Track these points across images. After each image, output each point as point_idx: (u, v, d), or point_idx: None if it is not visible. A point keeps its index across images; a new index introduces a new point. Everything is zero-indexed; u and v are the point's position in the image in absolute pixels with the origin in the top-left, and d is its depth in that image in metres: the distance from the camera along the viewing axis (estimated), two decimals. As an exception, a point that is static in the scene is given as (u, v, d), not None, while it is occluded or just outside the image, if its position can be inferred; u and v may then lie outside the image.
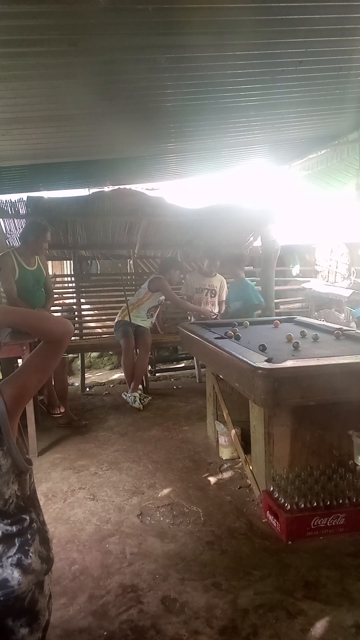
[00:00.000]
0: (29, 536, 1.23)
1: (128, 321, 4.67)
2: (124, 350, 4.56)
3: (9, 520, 1.21)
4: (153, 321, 4.94)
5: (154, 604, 1.89)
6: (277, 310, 6.17)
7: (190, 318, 5.10)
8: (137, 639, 1.73)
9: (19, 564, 1.19)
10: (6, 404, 1.23)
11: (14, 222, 5.18)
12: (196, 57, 2.37)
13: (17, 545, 1.21)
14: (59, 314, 5.33)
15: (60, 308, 5.42)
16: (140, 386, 4.70)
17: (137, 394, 4.44)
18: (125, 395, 4.49)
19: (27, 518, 1.25)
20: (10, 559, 1.18)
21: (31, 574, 1.20)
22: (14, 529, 1.21)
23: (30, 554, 1.21)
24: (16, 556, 1.19)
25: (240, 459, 3.05)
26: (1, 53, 2.10)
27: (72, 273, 5.76)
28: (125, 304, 4.82)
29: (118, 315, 4.84)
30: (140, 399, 4.40)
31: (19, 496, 1.24)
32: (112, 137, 3.67)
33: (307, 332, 3.28)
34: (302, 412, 2.50)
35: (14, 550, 1.20)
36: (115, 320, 4.82)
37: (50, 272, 5.02)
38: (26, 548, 1.22)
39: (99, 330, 5.58)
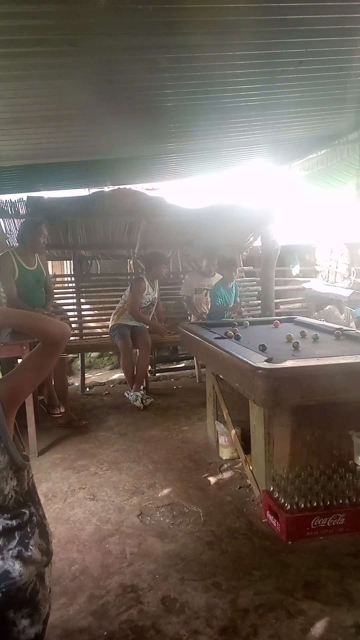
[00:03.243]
0: (28, 529, 1.26)
1: (122, 324, 4.67)
2: (122, 352, 4.56)
3: (9, 515, 1.24)
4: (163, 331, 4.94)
5: (154, 604, 1.89)
6: (277, 310, 6.17)
7: (190, 318, 5.10)
8: (137, 639, 1.73)
9: (19, 556, 1.22)
10: (2, 402, 1.25)
11: (14, 222, 5.18)
12: (196, 57, 2.37)
13: (17, 538, 1.23)
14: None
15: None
16: (142, 387, 4.70)
17: (139, 393, 4.44)
18: (128, 394, 4.50)
19: (27, 512, 1.27)
20: (10, 552, 1.21)
21: (32, 565, 1.23)
22: (14, 522, 1.24)
23: (31, 546, 1.24)
24: (16, 549, 1.22)
25: (240, 459, 3.05)
26: (1, 53, 2.10)
27: (72, 273, 5.76)
28: (116, 308, 4.83)
29: (111, 320, 4.85)
30: (142, 399, 4.40)
31: (18, 492, 1.26)
32: (112, 137, 3.67)
33: (307, 332, 3.28)
34: (302, 412, 2.50)
35: (14, 543, 1.23)
36: (110, 325, 4.81)
37: (50, 272, 5.02)
38: (26, 541, 1.24)
39: (99, 330, 5.58)
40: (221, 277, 5.27)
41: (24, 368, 1.38)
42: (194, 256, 5.77)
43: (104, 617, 1.84)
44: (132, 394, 4.45)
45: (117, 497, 2.78)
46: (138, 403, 4.36)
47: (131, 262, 5.95)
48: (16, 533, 1.24)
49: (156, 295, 4.92)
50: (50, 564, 1.33)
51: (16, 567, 1.20)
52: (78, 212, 5.14)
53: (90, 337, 5.41)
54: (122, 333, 4.57)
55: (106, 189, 5.35)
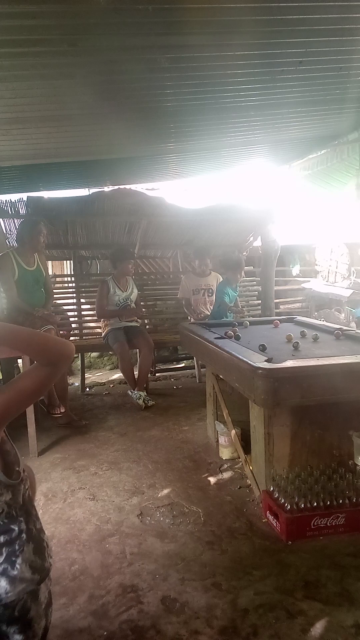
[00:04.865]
0: (17, 547, 1.22)
1: (112, 328, 4.65)
2: (119, 355, 4.55)
3: None
4: (134, 319, 4.87)
5: (154, 604, 1.89)
6: (277, 310, 6.17)
7: (190, 318, 5.10)
8: (137, 639, 1.73)
9: (4, 574, 1.18)
10: None
11: (14, 222, 5.18)
12: (196, 57, 2.36)
13: (4, 555, 1.20)
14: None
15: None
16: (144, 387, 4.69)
17: (142, 393, 4.44)
18: (131, 392, 4.49)
19: (16, 529, 1.22)
20: None
21: (21, 583, 1.19)
22: (1, 539, 1.20)
23: (18, 564, 1.20)
24: (2, 566, 1.18)
25: (240, 459, 3.05)
26: (1, 53, 2.10)
27: (72, 273, 5.76)
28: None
29: (102, 328, 4.84)
30: (144, 399, 4.39)
31: (11, 505, 1.22)
32: (112, 137, 3.67)
33: (307, 332, 3.28)
34: (302, 412, 2.50)
35: (0, 560, 1.19)
36: (103, 334, 4.78)
37: (50, 272, 5.02)
38: (13, 559, 1.20)
39: (99, 330, 5.58)
40: (218, 275, 5.29)
41: (13, 389, 1.22)
42: (192, 256, 5.77)
43: (104, 617, 1.84)
44: (135, 392, 4.45)
45: (117, 497, 2.78)
46: (140, 402, 4.36)
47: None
48: (3, 550, 1.20)
49: (129, 295, 4.80)
50: (46, 579, 1.28)
51: (2, 585, 1.17)
52: (78, 212, 5.13)
53: (90, 337, 5.41)
54: (115, 336, 4.55)
55: (106, 189, 5.35)
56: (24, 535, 1.24)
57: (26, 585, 1.20)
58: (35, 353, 1.23)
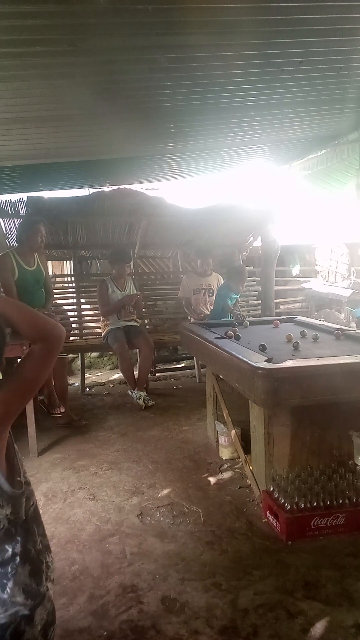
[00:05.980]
0: (9, 569, 1.15)
1: (112, 328, 4.64)
2: (119, 355, 4.55)
3: None
4: (134, 318, 4.84)
5: (154, 604, 1.89)
6: (277, 310, 6.17)
7: (191, 318, 5.10)
8: (137, 639, 1.73)
9: None
10: None
11: (14, 222, 5.18)
12: (196, 57, 2.37)
13: None
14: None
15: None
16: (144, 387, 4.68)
17: (142, 393, 4.44)
18: (131, 392, 4.49)
19: (10, 550, 1.16)
20: None
21: (13, 606, 1.13)
22: None
23: (9, 588, 1.14)
24: None
25: (240, 459, 3.05)
26: (1, 53, 2.10)
27: (72, 273, 5.76)
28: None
29: (102, 328, 4.85)
30: (144, 399, 4.39)
31: (12, 520, 1.16)
32: (112, 137, 3.68)
33: (307, 332, 3.28)
34: (302, 412, 2.50)
35: None
36: (103, 334, 4.78)
37: (50, 272, 5.02)
38: (4, 581, 1.14)
39: (99, 330, 5.58)
40: (219, 276, 5.29)
41: (15, 377, 1.21)
42: (193, 256, 5.77)
43: (104, 617, 1.84)
44: (135, 392, 4.45)
45: (117, 497, 2.78)
46: (141, 402, 4.36)
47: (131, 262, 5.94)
48: None
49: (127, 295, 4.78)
50: (44, 602, 1.21)
51: None
52: (78, 212, 5.14)
53: (90, 337, 5.41)
54: (115, 336, 4.54)
55: (106, 189, 5.36)
56: (17, 558, 1.17)
57: (18, 609, 1.14)
58: (32, 328, 1.25)
